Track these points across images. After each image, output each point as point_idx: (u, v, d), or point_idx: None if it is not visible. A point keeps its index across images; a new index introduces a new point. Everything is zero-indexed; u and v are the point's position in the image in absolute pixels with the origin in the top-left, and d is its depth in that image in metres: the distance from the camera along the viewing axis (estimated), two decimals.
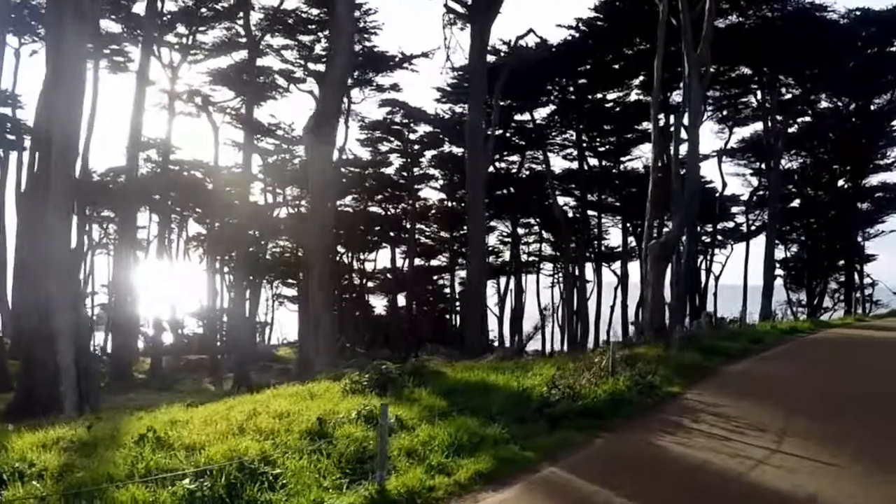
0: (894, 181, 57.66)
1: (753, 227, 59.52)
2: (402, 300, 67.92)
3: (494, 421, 12.31)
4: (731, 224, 63.05)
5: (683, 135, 48.03)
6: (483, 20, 38.05)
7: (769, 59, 45.78)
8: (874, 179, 57.66)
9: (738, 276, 57.80)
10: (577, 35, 47.88)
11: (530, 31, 43.32)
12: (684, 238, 40.35)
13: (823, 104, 54.59)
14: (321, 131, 26.53)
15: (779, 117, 48.87)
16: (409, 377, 15.59)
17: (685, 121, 34.55)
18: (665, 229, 42.61)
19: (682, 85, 42.11)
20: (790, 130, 54.21)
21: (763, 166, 54.88)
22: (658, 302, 32.50)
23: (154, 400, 27.81)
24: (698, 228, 60.68)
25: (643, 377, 16.48)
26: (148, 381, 43.04)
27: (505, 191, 60.92)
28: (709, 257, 59.86)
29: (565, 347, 55.11)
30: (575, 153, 56.48)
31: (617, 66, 49.26)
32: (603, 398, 14.58)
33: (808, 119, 55.22)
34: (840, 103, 53.85)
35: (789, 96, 50.46)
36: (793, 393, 17.02)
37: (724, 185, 55.82)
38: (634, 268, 55.37)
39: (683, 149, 49.45)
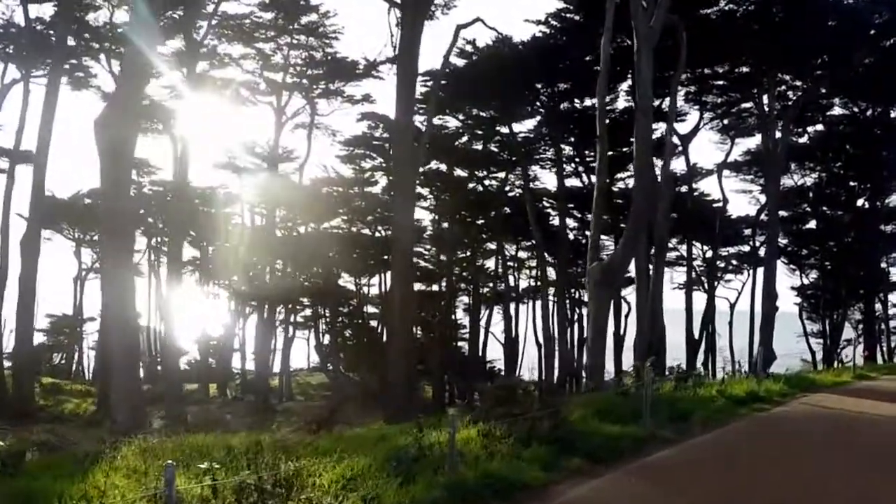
0: None
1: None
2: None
3: None
4: (746, 248, 52.46)
5: (675, 140, 38.99)
6: (413, 6, 29.10)
7: (769, 53, 35.73)
8: None
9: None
10: (548, 31, 38.55)
11: (477, 19, 33.38)
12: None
13: (837, 110, 44.18)
14: (113, 122, 18.18)
15: (780, 123, 38.46)
16: None
17: (638, 109, 25.08)
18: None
19: (670, 81, 33.47)
20: (801, 141, 44.13)
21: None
22: (598, 343, 23.15)
23: None
24: (710, 252, 50.58)
25: None
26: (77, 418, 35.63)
27: (495, 212, 51.75)
28: (711, 284, 49.14)
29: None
30: (568, 169, 46.98)
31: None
32: None
33: (820, 128, 44.88)
34: (856, 108, 43.44)
35: (796, 99, 39.93)
36: None
37: (726, 201, 45.98)
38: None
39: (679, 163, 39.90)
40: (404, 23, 29.60)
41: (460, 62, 41.51)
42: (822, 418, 18.22)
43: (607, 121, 41.83)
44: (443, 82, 41.91)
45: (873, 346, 45.66)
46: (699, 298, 48.38)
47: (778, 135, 38.21)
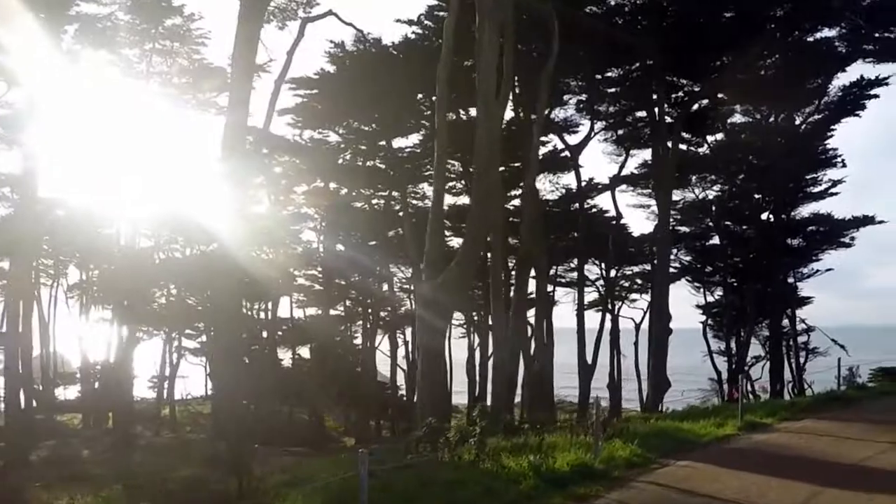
0: (828, 211, 41.07)
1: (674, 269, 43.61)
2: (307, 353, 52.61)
3: None
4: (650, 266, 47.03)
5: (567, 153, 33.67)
6: None
7: (660, 53, 30.43)
8: (805, 210, 42.01)
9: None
10: (422, 33, 32.77)
11: (330, 12, 27.58)
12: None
13: (738, 118, 39.18)
14: None
15: (669, 126, 33.14)
16: None
17: (478, 97, 19.55)
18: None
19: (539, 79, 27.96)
20: (701, 151, 39.15)
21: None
22: (432, 378, 17.37)
23: None
24: (613, 272, 45.16)
25: None
26: None
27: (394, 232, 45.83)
28: (610, 304, 43.86)
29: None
30: (458, 186, 41.26)
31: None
32: None
33: (720, 137, 39.89)
34: (758, 115, 38.41)
35: (685, 102, 34.79)
36: None
37: (619, 217, 40.83)
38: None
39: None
40: (242, 12, 23.59)
41: (332, 69, 35.84)
42: None
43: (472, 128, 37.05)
44: (314, 90, 36.42)
45: (780, 369, 40.52)
46: (594, 319, 43.47)
47: (669, 143, 32.94)
